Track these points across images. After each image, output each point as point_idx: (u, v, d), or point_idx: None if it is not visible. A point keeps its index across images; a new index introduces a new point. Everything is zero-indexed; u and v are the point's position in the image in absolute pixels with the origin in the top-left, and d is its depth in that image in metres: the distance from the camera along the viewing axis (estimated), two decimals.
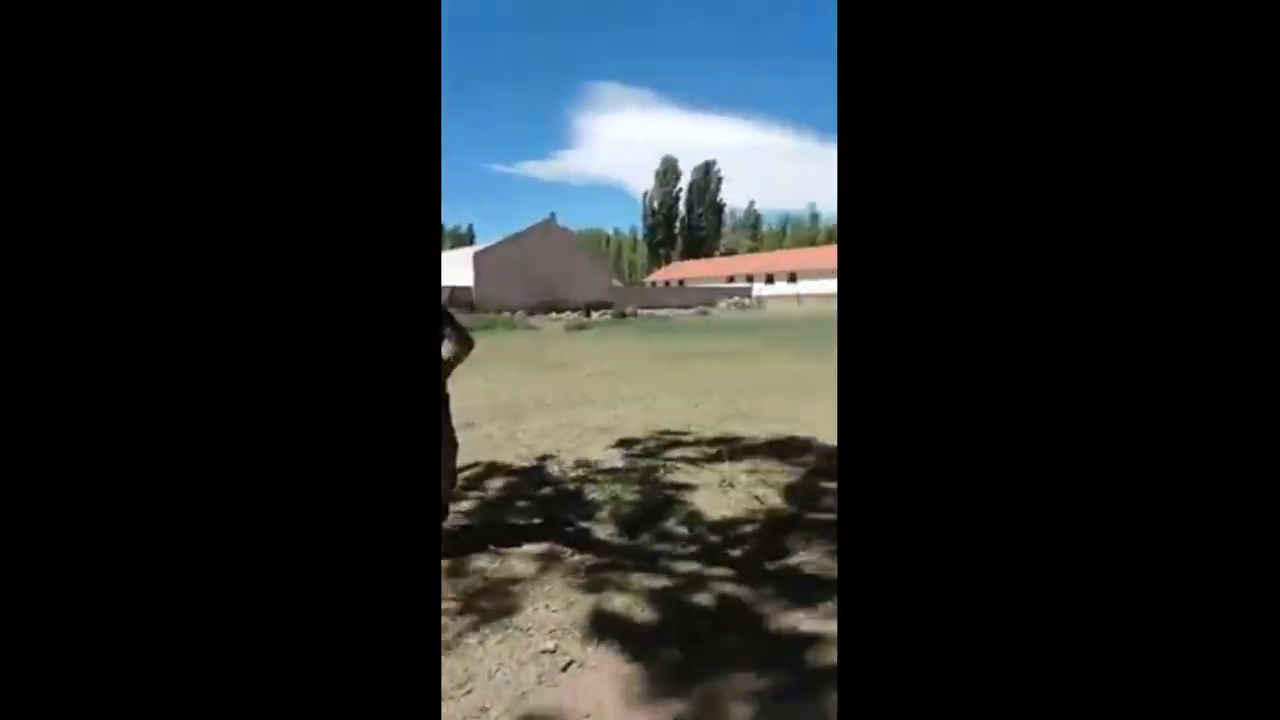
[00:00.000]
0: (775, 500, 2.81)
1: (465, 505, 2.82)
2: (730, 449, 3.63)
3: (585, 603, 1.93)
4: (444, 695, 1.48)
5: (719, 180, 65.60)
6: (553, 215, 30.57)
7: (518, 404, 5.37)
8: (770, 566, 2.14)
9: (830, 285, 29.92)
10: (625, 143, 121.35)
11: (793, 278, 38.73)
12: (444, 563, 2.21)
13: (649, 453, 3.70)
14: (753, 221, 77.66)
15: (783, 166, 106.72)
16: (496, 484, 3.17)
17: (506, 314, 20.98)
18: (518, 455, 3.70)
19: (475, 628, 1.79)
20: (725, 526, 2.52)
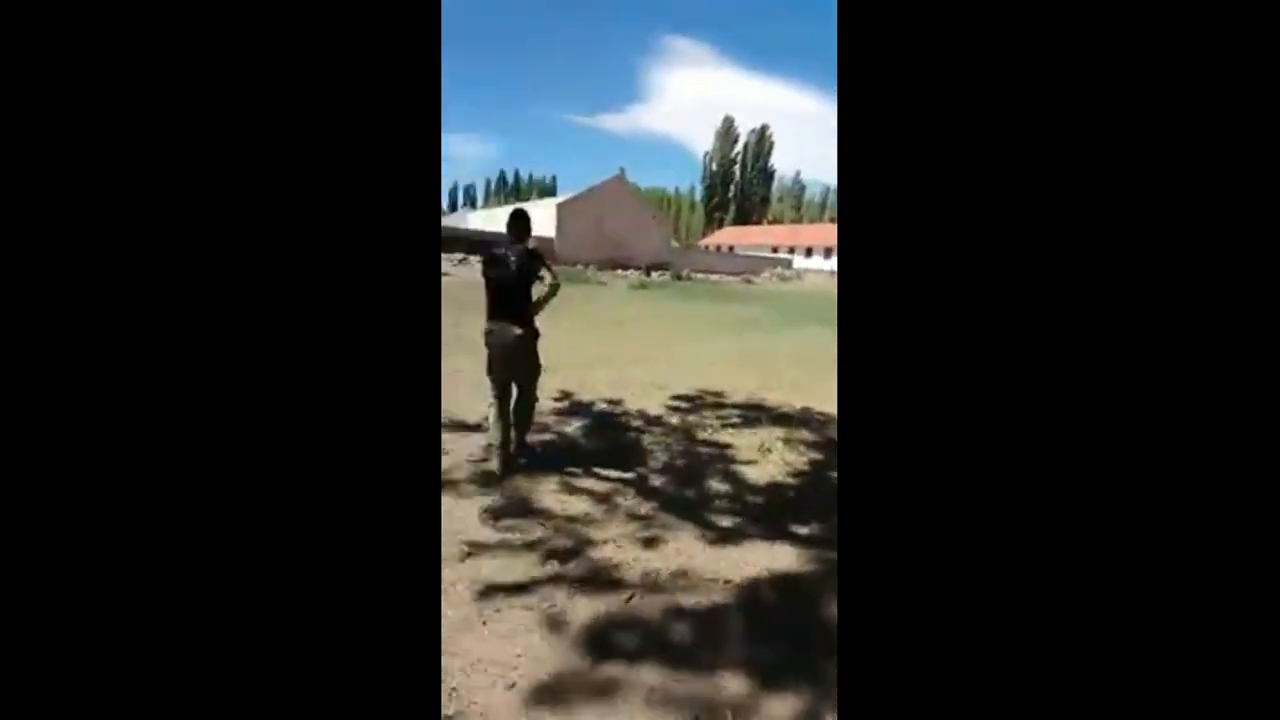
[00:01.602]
0: (803, 465, 2.98)
1: (547, 436, 3.15)
2: (770, 415, 3.80)
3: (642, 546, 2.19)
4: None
5: (771, 146, 61.36)
6: (622, 170, 29.64)
7: (587, 354, 5.67)
8: (801, 530, 2.33)
9: None
10: (689, 99, 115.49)
11: (829, 253, 37.04)
12: (521, 482, 2.54)
13: (698, 408, 3.93)
14: (798, 190, 73.04)
15: (832, 138, 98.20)
16: (571, 425, 3.48)
17: (580, 267, 21.23)
18: (584, 401, 4.00)
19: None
20: (765, 490, 2.71)
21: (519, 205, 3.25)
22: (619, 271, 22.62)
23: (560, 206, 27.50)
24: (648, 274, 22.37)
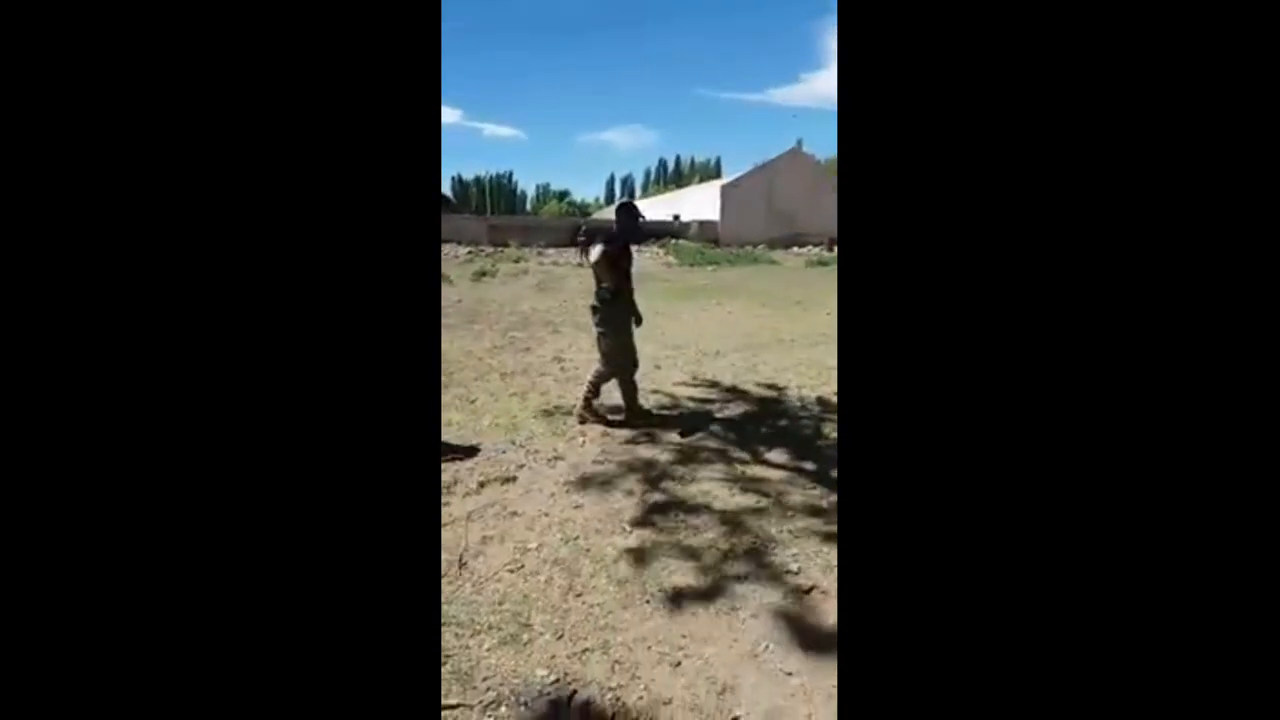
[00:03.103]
0: None
1: (712, 425, 3.10)
2: None
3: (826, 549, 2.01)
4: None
5: None
6: (799, 142, 28.28)
7: (757, 337, 5.47)
8: None
9: None
10: None
11: None
12: (681, 469, 2.51)
13: None
14: None
15: None
16: (736, 409, 3.37)
17: (749, 247, 20.78)
18: (756, 384, 3.85)
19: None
20: None
21: (625, 200, 3.45)
22: (794, 250, 21.59)
23: (724, 188, 27.36)
24: (830, 248, 20.94)
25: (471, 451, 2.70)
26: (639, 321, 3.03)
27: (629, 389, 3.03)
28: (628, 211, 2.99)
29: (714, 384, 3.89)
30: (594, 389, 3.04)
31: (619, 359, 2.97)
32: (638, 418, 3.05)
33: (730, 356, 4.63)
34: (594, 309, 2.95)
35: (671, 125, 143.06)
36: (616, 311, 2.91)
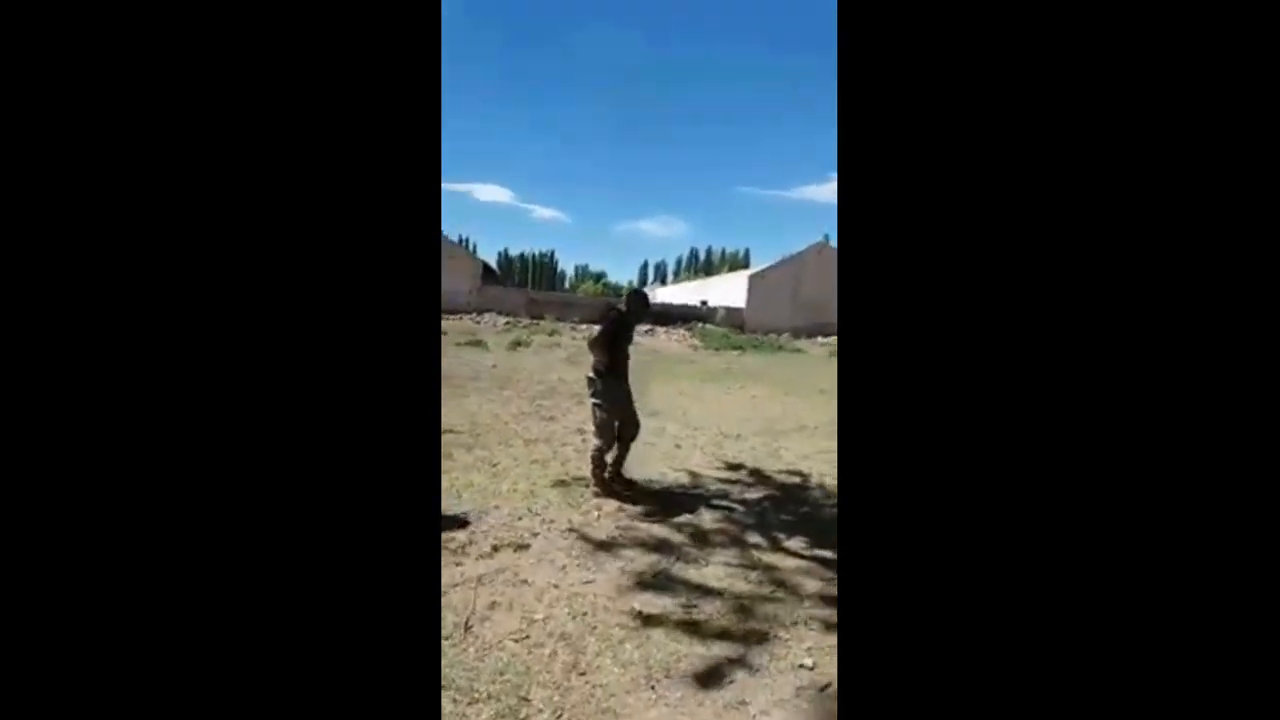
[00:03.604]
0: None
1: (727, 503, 3.07)
2: None
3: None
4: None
5: None
6: (825, 237, 29.43)
7: (778, 423, 5.46)
8: None
9: None
10: None
11: None
12: (694, 551, 2.47)
13: None
14: None
15: None
16: (755, 493, 3.33)
17: (773, 335, 21.08)
18: (778, 470, 3.81)
19: None
20: None
21: (638, 289, 3.82)
22: (819, 339, 21.80)
23: (751, 277, 28.29)
24: None
25: (462, 523, 2.63)
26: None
27: (623, 451, 3.19)
28: (636, 297, 3.35)
29: (736, 466, 3.87)
30: (598, 463, 3.13)
31: (610, 432, 3.13)
32: (619, 483, 3.15)
33: (751, 440, 4.62)
34: (589, 380, 3.15)
35: (703, 217, 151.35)
36: (609, 385, 3.09)
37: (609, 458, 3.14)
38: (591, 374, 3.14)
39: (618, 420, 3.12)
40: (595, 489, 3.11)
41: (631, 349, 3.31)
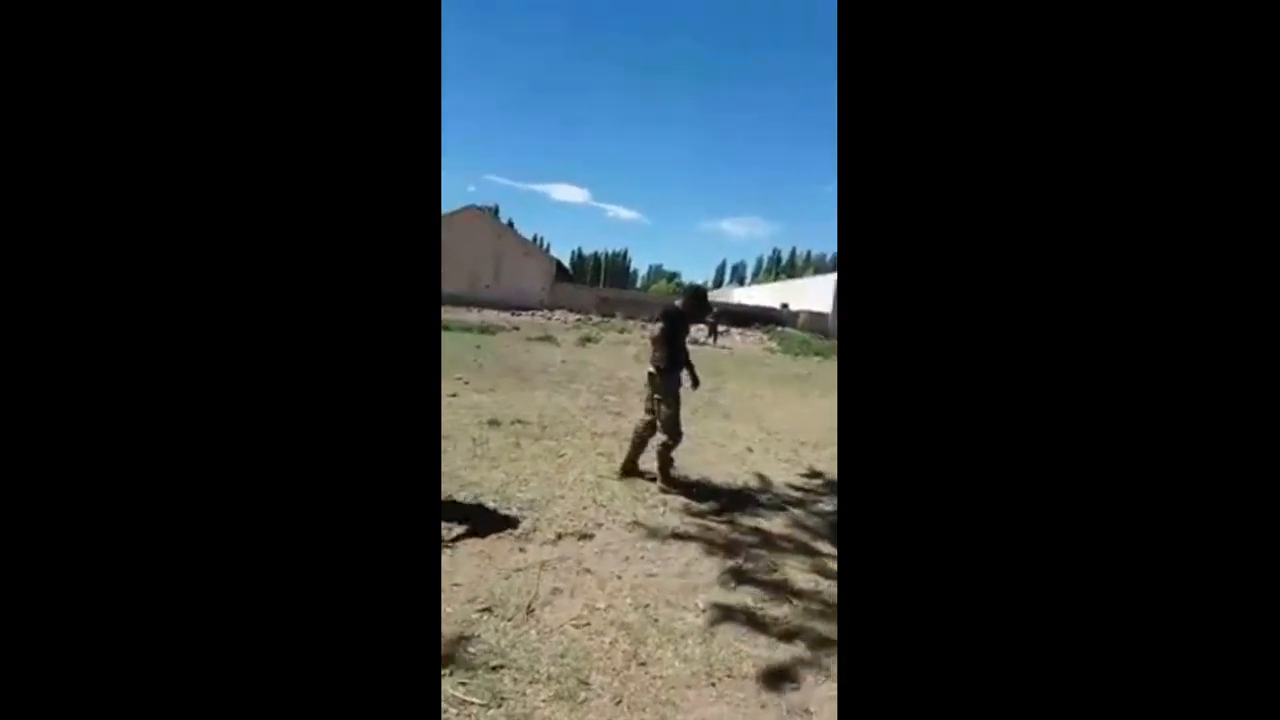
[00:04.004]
0: None
1: (799, 512, 2.93)
2: None
3: None
4: None
5: None
6: None
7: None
8: None
9: None
10: None
11: None
12: (770, 556, 2.37)
13: None
14: None
15: None
16: (829, 505, 3.17)
17: None
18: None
19: None
20: None
21: (696, 286, 3.63)
22: None
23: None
24: None
25: (513, 522, 2.50)
26: (695, 384, 3.32)
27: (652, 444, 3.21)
28: (691, 293, 3.37)
29: (813, 474, 3.70)
30: (665, 460, 3.13)
31: (677, 427, 3.12)
32: (669, 483, 3.13)
33: (829, 450, 4.40)
34: (650, 376, 3.20)
35: (788, 218, 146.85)
36: (670, 382, 3.13)
37: (654, 448, 3.14)
38: (652, 369, 3.18)
39: (674, 420, 3.11)
40: (661, 484, 3.11)
41: (692, 347, 3.29)
